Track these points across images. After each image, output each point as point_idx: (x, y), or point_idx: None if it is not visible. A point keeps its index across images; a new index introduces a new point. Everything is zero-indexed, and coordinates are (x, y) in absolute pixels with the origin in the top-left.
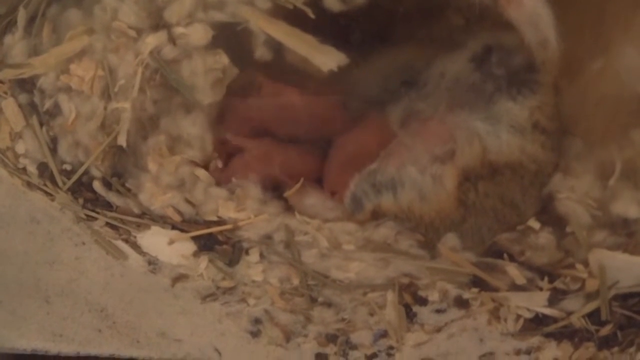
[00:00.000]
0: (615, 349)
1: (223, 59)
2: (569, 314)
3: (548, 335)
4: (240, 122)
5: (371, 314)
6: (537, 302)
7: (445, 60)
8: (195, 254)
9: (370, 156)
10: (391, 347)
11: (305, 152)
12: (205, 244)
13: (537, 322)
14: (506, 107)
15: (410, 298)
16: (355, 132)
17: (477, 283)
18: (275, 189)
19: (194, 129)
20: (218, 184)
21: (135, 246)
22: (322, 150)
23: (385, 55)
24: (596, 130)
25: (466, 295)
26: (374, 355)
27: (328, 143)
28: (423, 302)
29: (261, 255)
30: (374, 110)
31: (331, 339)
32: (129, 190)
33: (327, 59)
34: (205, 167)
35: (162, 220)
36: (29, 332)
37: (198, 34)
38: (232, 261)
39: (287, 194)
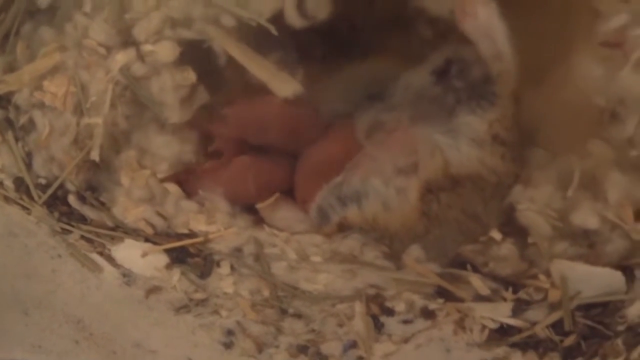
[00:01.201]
0: (580, 359)
1: (191, 76)
2: (533, 324)
3: (513, 346)
4: (214, 135)
5: (340, 325)
6: (501, 313)
7: (410, 73)
8: (168, 266)
9: (337, 166)
10: (361, 358)
11: (278, 162)
12: (178, 257)
13: (502, 333)
14: (466, 120)
15: (378, 309)
16: (322, 143)
17: (442, 294)
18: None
19: (165, 146)
20: (190, 194)
21: (110, 259)
22: (293, 160)
23: (350, 69)
24: (557, 140)
25: (432, 305)
26: None
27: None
28: (390, 312)
29: (232, 268)
30: (340, 121)
31: (302, 349)
32: (102, 203)
33: (283, 86)
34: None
35: (135, 233)
36: (8, 343)
37: (166, 51)
38: (204, 273)
39: (259, 205)
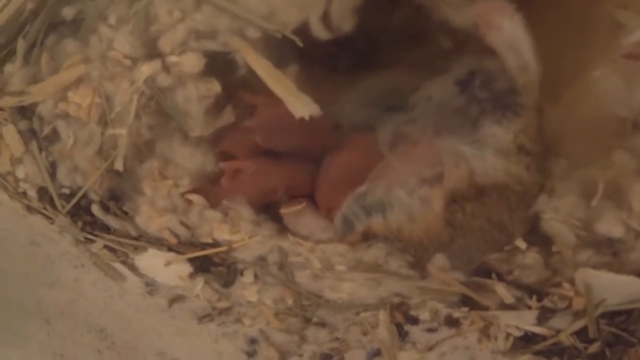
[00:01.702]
0: None
1: (215, 87)
2: (558, 332)
3: (538, 353)
4: (236, 142)
5: (364, 334)
6: (526, 321)
7: (432, 84)
8: (192, 276)
9: (360, 176)
10: None
11: (299, 167)
12: (201, 266)
13: (526, 340)
14: (491, 130)
15: (402, 317)
16: (344, 152)
17: (467, 302)
18: (268, 210)
19: (188, 158)
20: (212, 205)
21: (133, 268)
22: (315, 166)
23: (372, 80)
24: (579, 151)
25: (456, 314)
26: None
27: (320, 159)
28: (414, 321)
29: (256, 277)
30: (363, 131)
31: (326, 358)
32: (126, 213)
33: (302, 106)
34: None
35: (159, 243)
36: (30, 352)
37: (191, 62)
38: (228, 282)
39: (284, 210)
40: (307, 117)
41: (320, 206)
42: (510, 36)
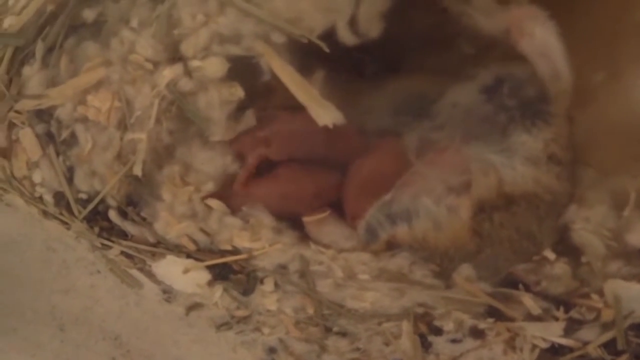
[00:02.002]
0: None
1: (238, 92)
2: (585, 343)
3: None
4: (260, 150)
5: (386, 344)
6: (553, 332)
7: (457, 90)
8: (210, 283)
9: (388, 183)
10: None
11: (325, 174)
12: (220, 273)
13: (553, 352)
14: (521, 139)
15: (426, 328)
16: (372, 158)
17: (493, 313)
18: (289, 217)
19: (209, 162)
20: (233, 210)
21: (150, 275)
22: (341, 173)
23: (396, 86)
24: (609, 160)
25: (481, 325)
26: None
27: (346, 165)
28: (438, 332)
29: (276, 285)
30: (389, 137)
31: None
32: (144, 219)
33: (324, 114)
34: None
35: (177, 249)
36: (43, 359)
37: (214, 67)
38: (247, 290)
39: (307, 218)
40: (330, 125)
41: (348, 214)
42: (543, 43)
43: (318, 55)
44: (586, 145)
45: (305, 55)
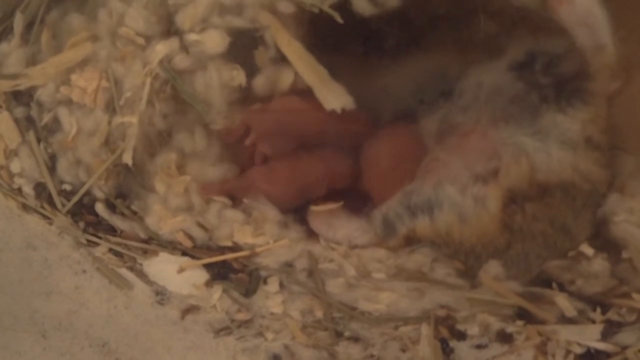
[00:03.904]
0: None
1: (240, 76)
2: (624, 348)
3: None
4: (268, 136)
5: (403, 350)
6: (589, 336)
7: (482, 68)
8: (208, 284)
9: (407, 170)
10: None
11: (336, 158)
12: (219, 273)
13: (589, 358)
14: (555, 120)
15: (447, 332)
16: (387, 143)
17: (523, 315)
18: (296, 211)
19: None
20: (235, 200)
21: (142, 275)
22: (352, 156)
23: (413, 64)
24: None
25: (510, 328)
26: None
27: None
28: (461, 336)
29: (281, 285)
30: (403, 120)
31: None
32: (134, 213)
33: (333, 97)
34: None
35: (172, 246)
36: None
37: (213, 41)
38: (249, 291)
39: (316, 208)
40: (338, 110)
41: (376, 199)
42: (584, 11)
43: (331, 28)
44: (624, 130)
45: (317, 28)
